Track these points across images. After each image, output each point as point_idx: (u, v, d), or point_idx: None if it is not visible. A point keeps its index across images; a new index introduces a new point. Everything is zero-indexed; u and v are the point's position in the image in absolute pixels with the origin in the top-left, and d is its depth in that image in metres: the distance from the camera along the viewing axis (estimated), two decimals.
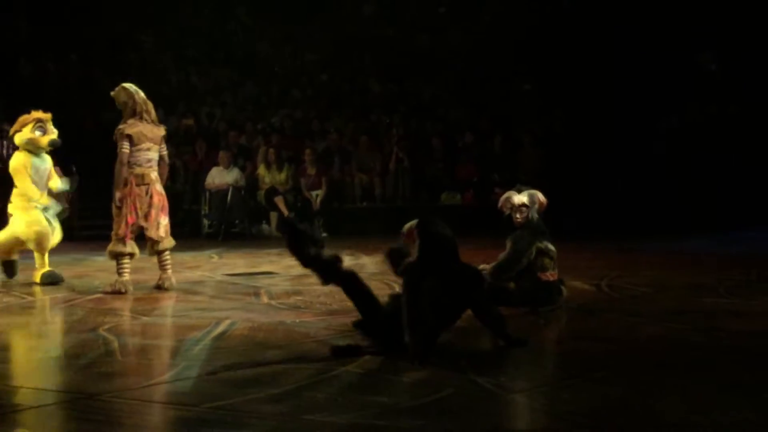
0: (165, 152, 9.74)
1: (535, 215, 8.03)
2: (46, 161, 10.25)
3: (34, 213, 10.06)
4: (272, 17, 24.21)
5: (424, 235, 6.19)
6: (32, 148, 10.08)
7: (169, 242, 9.56)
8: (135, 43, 23.76)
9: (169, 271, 9.52)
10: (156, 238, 9.42)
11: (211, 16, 24.80)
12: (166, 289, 9.33)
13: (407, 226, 6.40)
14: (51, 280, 9.90)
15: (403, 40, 23.80)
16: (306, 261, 6.24)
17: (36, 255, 10.12)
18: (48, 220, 10.12)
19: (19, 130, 10.09)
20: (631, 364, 5.85)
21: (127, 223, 9.26)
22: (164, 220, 9.53)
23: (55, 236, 10.22)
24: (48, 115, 10.14)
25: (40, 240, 10.02)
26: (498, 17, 23.02)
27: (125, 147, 9.23)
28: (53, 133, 10.11)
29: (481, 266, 8.25)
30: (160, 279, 9.46)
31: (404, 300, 6.03)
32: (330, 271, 6.28)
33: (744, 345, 6.47)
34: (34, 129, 10.03)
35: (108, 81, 19.74)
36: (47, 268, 10.02)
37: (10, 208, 10.17)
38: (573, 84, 20.03)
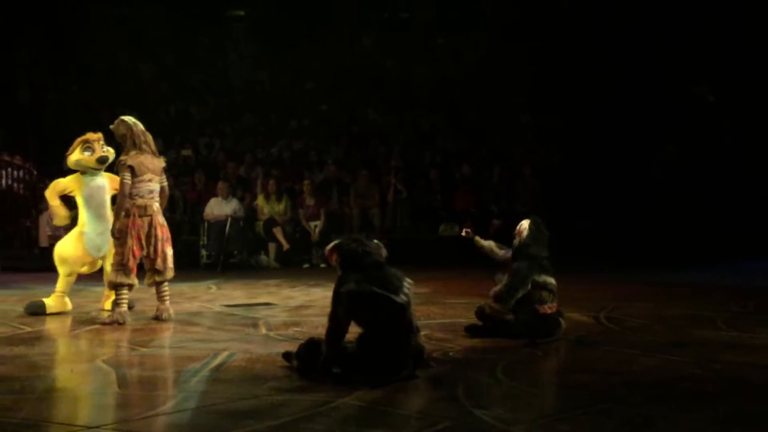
0: (165, 183, 9.78)
1: (518, 242, 8.17)
2: (99, 180, 10.24)
3: (71, 235, 10.10)
4: (271, 47, 24.30)
5: (342, 252, 6.49)
6: (82, 169, 10.12)
7: (171, 273, 9.59)
8: (134, 73, 23.84)
9: (168, 302, 9.54)
10: (162, 270, 9.45)
11: (210, 45, 24.89)
12: (165, 320, 9.34)
13: (327, 247, 6.72)
14: (33, 310, 9.89)
15: (401, 72, 23.91)
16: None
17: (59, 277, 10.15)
18: (94, 244, 10.12)
19: (70, 154, 10.12)
20: (629, 396, 5.86)
21: (134, 255, 9.28)
22: (169, 251, 9.57)
23: (96, 263, 10.23)
24: (97, 135, 10.11)
25: (69, 273, 10.04)
26: (496, 49, 23.12)
27: (127, 178, 9.27)
28: (102, 152, 10.09)
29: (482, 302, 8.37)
30: (158, 310, 9.46)
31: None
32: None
33: (742, 377, 6.48)
34: (83, 150, 10.05)
35: (107, 111, 19.90)
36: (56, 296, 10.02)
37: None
38: (571, 115, 20.11)
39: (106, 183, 10.18)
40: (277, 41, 23.97)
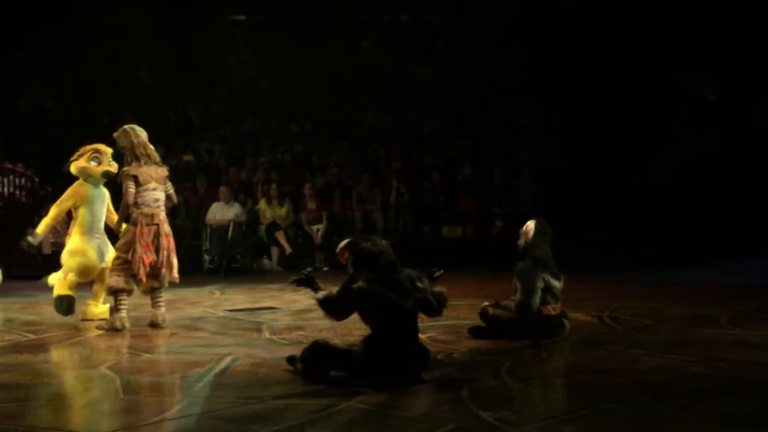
0: (171, 191, 9.78)
1: (524, 243, 8.20)
2: (102, 190, 10.25)
3: (78, 241, 10.11)
4: (271, 52, 24.29)
5: (355, 252, 6.52)
6: (85, 177, 10.12)
7: (173, 279, 9.62)
8: (133, 80, 23.84)
9: (163, 308, 9.55)
10: (171, 279, 9.52)
11: (210, 50, 24.89)
12: (161, 326, 9.34)
13: (339, 246, 6.73)
14: (64, 306, 9.92)
15: (401, 74, 23.90)
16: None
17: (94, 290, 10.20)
18: (100, 251, 10.14)
19: (76, 159, 10.13)
20: (633, 396, 5.87)
21: (144, 263, 9.28)
22: (175, 261, 9.61)
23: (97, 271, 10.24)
24: (108, 149, 10.14)
25: (81, 271, 10.05)
26: (496, 50, 23.12)
27: (131, 187, 9.29)
28: (109, 166, 10.09)
29: (485, 303, 8.36)
30: (153, 316, 9.46)
31: None
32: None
33: (746, 376, 6.49)
34: (90, 159, 10.07)
35: (107, 118, 19.91)
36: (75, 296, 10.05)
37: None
38: (571, 115, 20.11)
39: (106, 195, 10.23)
40: (277, 45, 23.96)
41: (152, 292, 9.53)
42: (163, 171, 9.65)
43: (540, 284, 8.02)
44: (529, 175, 18.55)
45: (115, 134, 9.66)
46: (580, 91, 20.28)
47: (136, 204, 9.31)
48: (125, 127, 9.71)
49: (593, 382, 6.34)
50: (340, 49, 24.47)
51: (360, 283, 6.26)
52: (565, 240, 13.32)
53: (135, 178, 9.31)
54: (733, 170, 17.94)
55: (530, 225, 8.36)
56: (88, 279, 10.15)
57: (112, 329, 9.13)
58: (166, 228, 9.51)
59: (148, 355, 7.90)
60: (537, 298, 8.00)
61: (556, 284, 8.11)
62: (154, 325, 9.40)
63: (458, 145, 20.67)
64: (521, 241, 8.35)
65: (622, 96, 19.71)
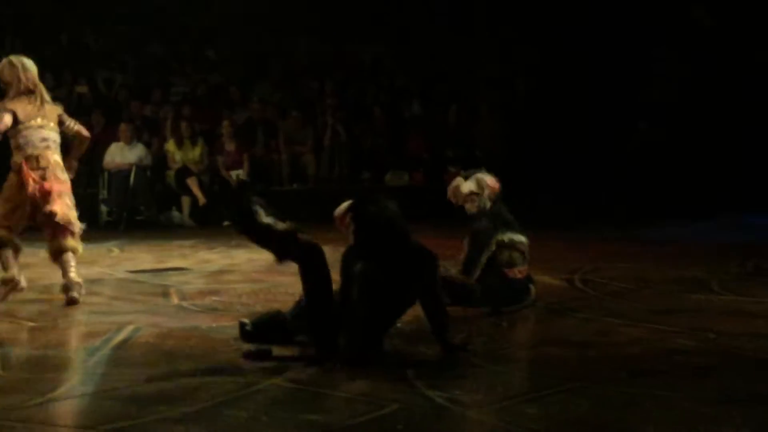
0: (77, 126, 9.57)
1: (487, 202, 8.18)
2: None
3: None
4: None
5: (359, 219, 6.34)
6: None
7: (75, 243, 9.43)
8: None
9: (74, 274, 9.34)
10: (64, 235, 9.25)
11: None
12: (75, 298, 9.21)
13: (339, 209, 6.51)
14: None
15: None
16: (258, 232, 6.27)
17: None
18: None
19: None
20: (608, 372, 5.92)
21: (30, 215, 9.04)
22: (73, 214, 9.35)
23: None
24: None
25: None
26: None
27: (7, 120, 9.01)
28: None
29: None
30: (65, 287, 9.27)
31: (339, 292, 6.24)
32: (289, 242, 6.30)
33: (740, 349, 6.56)
34: None
35: None
36: None
37: None
38: (542, 43, 20.09)
39: None
40: None
41: (59, 255, 9.31)
42: (57, 109, 9.47)
43: (492, 249, 8.05)
44: (489, 113, 18.57)
45: None
46: (550, 13, 20.22)
47: (18, 146, 9.13)
48: (11, 58, 9.49)
49: (561, 357, 6.39)
50: None
51: (358, 266, 6.15)
52: (529, 191, 13.42)
53: (12, 113, 9.10)
54: (727, 112, 18.00)
55: (471, 186, 8.31)
56: None
57: None
58: (59, 173, 9.32)
59: (32, 324, 7.82)
60: (480, 264, 8.04)
61: (522, 239, 8.13)
62: (70, 301, 9.19)
63: (405, 78, 20.65)
64: (470, 206, 8.32)
65: (600, 21, 19.68)
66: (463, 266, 8.14)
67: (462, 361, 6.25)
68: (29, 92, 9.23)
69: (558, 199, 16.42)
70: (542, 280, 9.03)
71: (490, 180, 8.27)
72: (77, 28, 23.20)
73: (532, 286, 8.28)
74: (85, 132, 9.64)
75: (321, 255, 6.32)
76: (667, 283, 9.42)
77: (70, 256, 9.12)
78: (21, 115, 9.06)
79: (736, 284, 9.23)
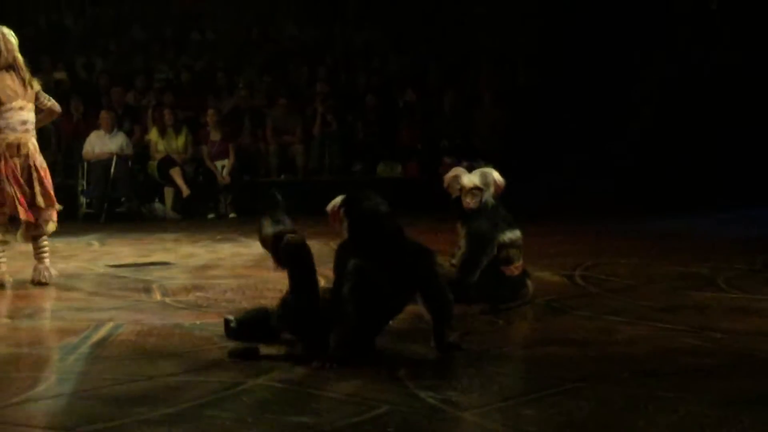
0: (50, 102, 9.57)
1: (490, 200, 8.12)
2: None
3: None
4: None
5: (352, 214, 6.33)
6: None
7: (52, 227, 9.47)
8: None
9: (47, 261, 9.42)
10: (41, 222, 9.29)
11: None
12: (44, 284, 9.25)
13: (331, 204, 6.49)
14: None
15: None
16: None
17: None
18: None
19: None
20: (609, 373, 5.92)
21: (19, 203, 9.08)
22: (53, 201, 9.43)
23: None
24: None
25: None
26: None
27: None
28: None
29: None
30: (35, 270, 9.34)
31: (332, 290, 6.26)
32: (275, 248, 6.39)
33: (747, 348, 6.56)
34: None
35: None
36: None
37: None
38: (543, 30, 20.11)
39: None
40: None
41: (34, 241, 9.37)
42: (36, 86, 9.46)
43: (494, 252, 8.06)
44: (489, 100, 18.55)
45: None
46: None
47: None
48: None
49: (561, 356, 6.38)
50: None
51: (351, 264, 6.15)
52: (530, 182, 13.43)
53: None
54: (735, 99, 18.03)
55: (475, 180, 8.27)
56: None
57: None
58: (39, 160, 9.34)
59: (6, 320, 7.82)
60: (485, 260, 8.04)
61: (518, 234, 8.13)
62: (37, 282, 9.26)
63: (399, 64, 20.64)
64: (470, 201, 8.25)
65: (603, 4, 19.71)
66: (461, 266, 8.12)
67: (457, 361, 6.26)
68: (9, 67, 9.20)
69: (557, 192, 16.43)
70: (541, 276, 9.06)
71: (497, 176, 8.19)
72: (55, 10, 23.17)
73: (529, 282, 8.29)
74: (57, 108, 9.68)
75: (306, 252, 6.34)
76: (671, 280, 9.42)
77: (45, 241, 9.25)
78: (2, 97, 9.05)
79: (744, 281, 9.24)
